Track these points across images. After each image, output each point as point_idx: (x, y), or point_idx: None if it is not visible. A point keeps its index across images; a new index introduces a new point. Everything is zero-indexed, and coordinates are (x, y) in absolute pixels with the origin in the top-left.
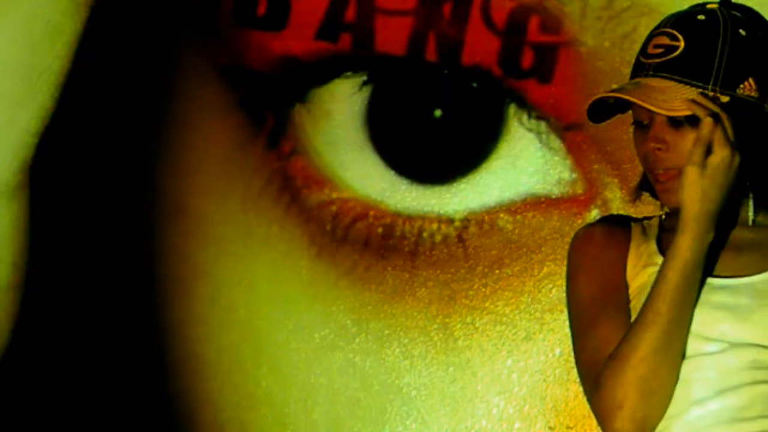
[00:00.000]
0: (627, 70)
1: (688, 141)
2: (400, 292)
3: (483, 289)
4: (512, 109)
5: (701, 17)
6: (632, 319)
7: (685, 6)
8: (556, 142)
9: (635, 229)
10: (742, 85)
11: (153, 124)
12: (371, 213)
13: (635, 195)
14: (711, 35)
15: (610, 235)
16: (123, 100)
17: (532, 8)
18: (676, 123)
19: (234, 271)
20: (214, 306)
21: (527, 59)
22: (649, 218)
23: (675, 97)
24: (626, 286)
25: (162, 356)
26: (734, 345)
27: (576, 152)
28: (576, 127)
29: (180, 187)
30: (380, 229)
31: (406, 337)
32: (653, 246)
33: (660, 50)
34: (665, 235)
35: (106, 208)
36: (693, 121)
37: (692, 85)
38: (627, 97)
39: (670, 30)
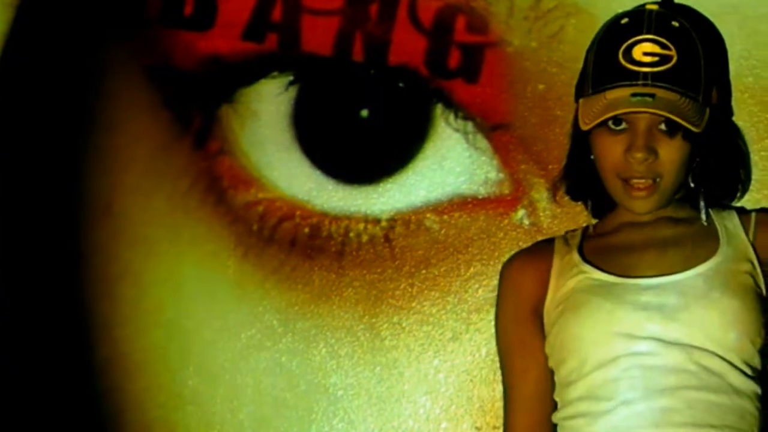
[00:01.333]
0: (554, 70)
1: (674, 150)
2: (326, 292)
3: (410, 289)
4: (439, 109)
5: (675, 24)
6: (556, 327)
7: (613, 6)
8: (482, 142)
9: (558, 244)
10: (712, 96)
11: (80, 123)
12: (298, 213)
13: (556, 195)
14: (693, 46)
15: (528, 275)
16: (50, 100)
17: (458, 8)
18: (673, 133)
19: (160, 270)
20: (140, 305)
21: (454, 59)
22: (574, 230)
23: (692, 111)
24: (538, 330)
25: (88, 356)
26: (664, 345)
27: (503, 152)
28: (503, 127)
29: (106, 186)
30: (307, 229)
31: (332, 337)
32: (576, 256)
33: (654, 59)
34: (587, 242)
35: (33, 207)
36: (687, 133)
37: (689, 97)
38: (666, 114)
39: (656, 37)
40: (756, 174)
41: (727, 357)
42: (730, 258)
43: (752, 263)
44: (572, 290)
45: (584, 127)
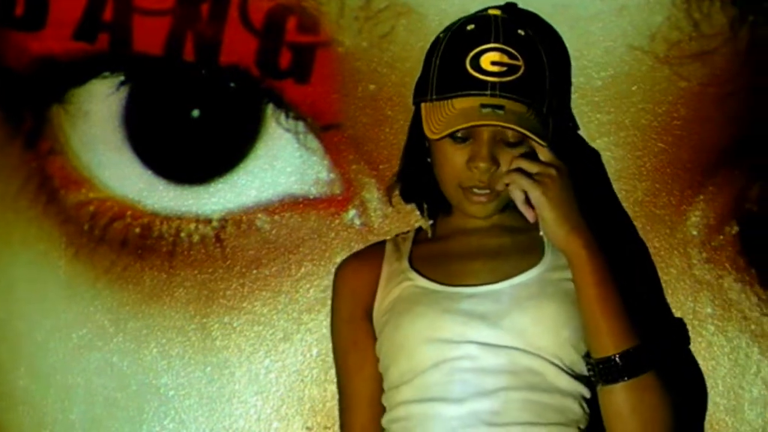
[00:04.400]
0: (385, 70)
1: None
2: (157, 292)
3: (241, 289)
4: (270, 109)
5: (521, 32)
6: (383, 335)
7: (443, 6)
8: (313, 143)
9: (389, 249)
10: (554, 105)
11: None
12: (129, 213)
13: (390, 198)
14: (539, 56)
15: (358, 280)
16: None
17: (289, 8)
18: (514, 144)
19: None
20: None
21: (285, 59)
22: (405, 233)
23: (539, 123)
24: (368, 332)
25: None
26: (484, 349)
27: (334, 152)
28: (334, 127)
29: None
30: (138, 229)
31: (163, 337)
32: (404, 263)
33: (502, 68)
34: (418, 247)
35: None
36: (528, 140)
37: (536, 109)
38: (518, 129)
39: (503, 46)
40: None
41: (549, 359)
42: (553, 267)
43: None
44: (397, 298)
45: (433, 137)
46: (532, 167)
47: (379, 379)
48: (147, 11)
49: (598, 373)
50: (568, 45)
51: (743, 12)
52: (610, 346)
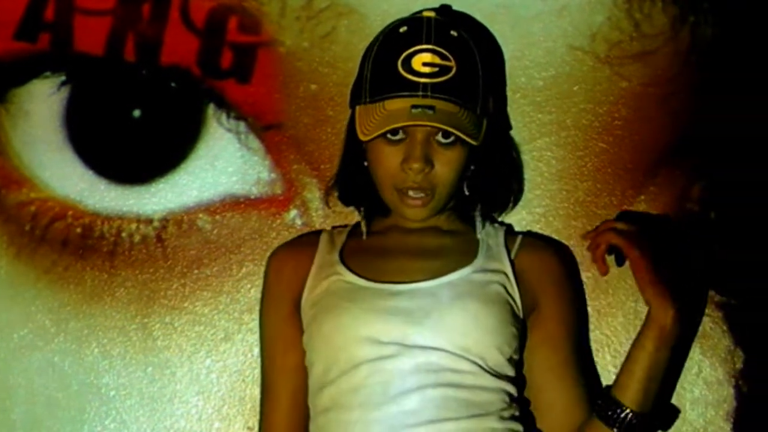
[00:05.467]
0: (326, 70)
1: (451, 161)
2: (98, 292)
3: (182, 289)
4: (211, 109)
5: (454, 33)
6: (309, 330)
7: (384, 6)
8: (255, 143)
9: (323, 241)
10: (488, 106)
11: None
12: (70, 213)
13: (328, 201)
14: (472, 56)
15: (288, 269)
16: None
17: (231, 8)
18: (448, 145)
19: None
20: None
21: (226, 59)
22: (344, 226)
23: (470, 123)
24: (296, 329)
25: None
26: (407, 349)
27: (275, 152)
28: (275, 127)
29: None
30: (79, 229)
31: (105, 337)
32: (335, 257)
33: (434, 69)
34: (352, 242)
35: None
36: (464, 144)
37: (468, 109)
38: (447, 128)
39: (435, 47)
40: (528, 174)
41: (472, 359)
42: (483, 269)
43: (507, 276)
44: (325, 292)
45: (363, 138)
46: (624, 225)
47: (303, 371)
48: (88, 11)
49: (604, 409)
50: (509, 45)
51: (684, 12)
52: (633, 401)
